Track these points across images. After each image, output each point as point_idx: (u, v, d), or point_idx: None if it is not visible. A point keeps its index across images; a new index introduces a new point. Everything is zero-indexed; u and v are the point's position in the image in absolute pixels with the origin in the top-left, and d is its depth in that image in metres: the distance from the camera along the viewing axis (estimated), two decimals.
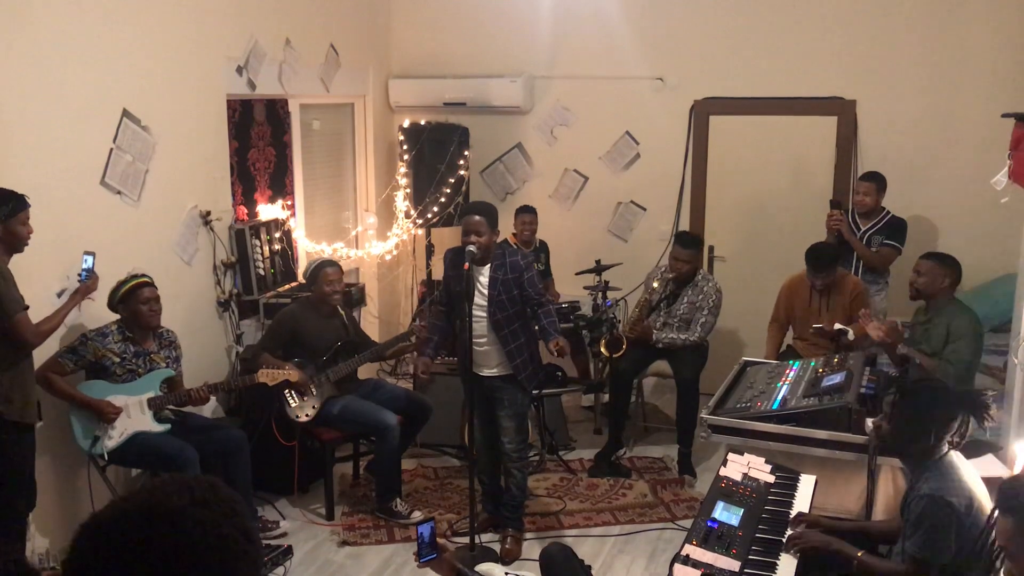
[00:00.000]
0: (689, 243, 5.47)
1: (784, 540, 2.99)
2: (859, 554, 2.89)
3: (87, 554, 1.05)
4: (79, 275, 4.06)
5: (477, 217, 4.31)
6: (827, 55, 6.15)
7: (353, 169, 6.92)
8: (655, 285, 5.52)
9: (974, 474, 2.91)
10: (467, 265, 4.23)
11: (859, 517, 3.47)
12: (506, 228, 6.38)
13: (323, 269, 4.85)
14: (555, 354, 4.34)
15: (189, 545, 1.04)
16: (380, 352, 5.06)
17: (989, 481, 3.19)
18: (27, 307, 3.66)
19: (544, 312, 4.40)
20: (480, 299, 4.36)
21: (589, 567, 3.25)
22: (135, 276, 4.28)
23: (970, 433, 2.91)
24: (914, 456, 2.94)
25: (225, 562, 1.06)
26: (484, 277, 4.35)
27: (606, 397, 5.81)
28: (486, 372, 4.42)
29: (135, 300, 4.22)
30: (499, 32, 6.86)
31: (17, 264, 3.78)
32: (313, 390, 4.73)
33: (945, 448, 2.86)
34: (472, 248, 4.26)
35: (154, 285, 4.31)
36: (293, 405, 4.70)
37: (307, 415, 4.70)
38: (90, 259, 4.09)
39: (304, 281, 4.99)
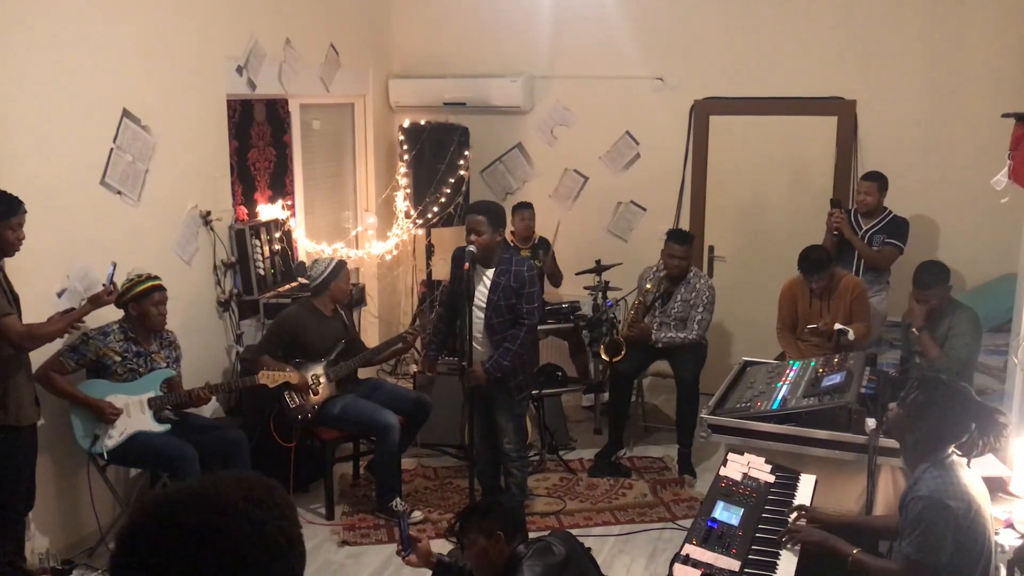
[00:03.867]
0: (683, 239, 5.48)
1: (781, 533, 2.99)
2: (854, 551, 2.88)
3: (140, 528, 1.12)
4: (104, 284, 4.02)
5: (478, 216, 4.32)
6: (827, 55, 6.15)
7: (353, 169, 6.92)
8: (648, 286, 5.54)
9: (975, 477, 2.89)
10: (467, 265, 4.23)
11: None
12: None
13: (342, 268, 4.90)
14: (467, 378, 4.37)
15: (233, 537, 1.11)
16: (371, 357, 5.06)
17: (989, 481, 3.19)
18: (11, 312, 3.63)
19: (512, 335, 4.34)
20: (480, 300, 4.37)
21: (589, 548, 3.26)
22: (149, 277, 4.27)
23: (980, 451, 2.87)
24: (911, 448, 2.93)
25: (261, 559, 1.12)
26: (487, 279, 4.35)
27: (606, 397, 5.81)
28: None
29: (148, 301, 4.23)
30: (499, 32, 6.86)
31: (17, 264, 3.78)
32: (316, 389, 4.74)
33: (948, 453, 2.84)
34: (472, 248, 4.27)
35: (165, 288, 4.31)
36: (293, 406, 4.71)
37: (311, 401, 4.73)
38: (112, 269, 4.05)
39: (309, 281, 4.95)
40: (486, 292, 4.35)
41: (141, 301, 4.22)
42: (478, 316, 4.37)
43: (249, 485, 1.16)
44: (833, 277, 5.16)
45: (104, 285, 4.00)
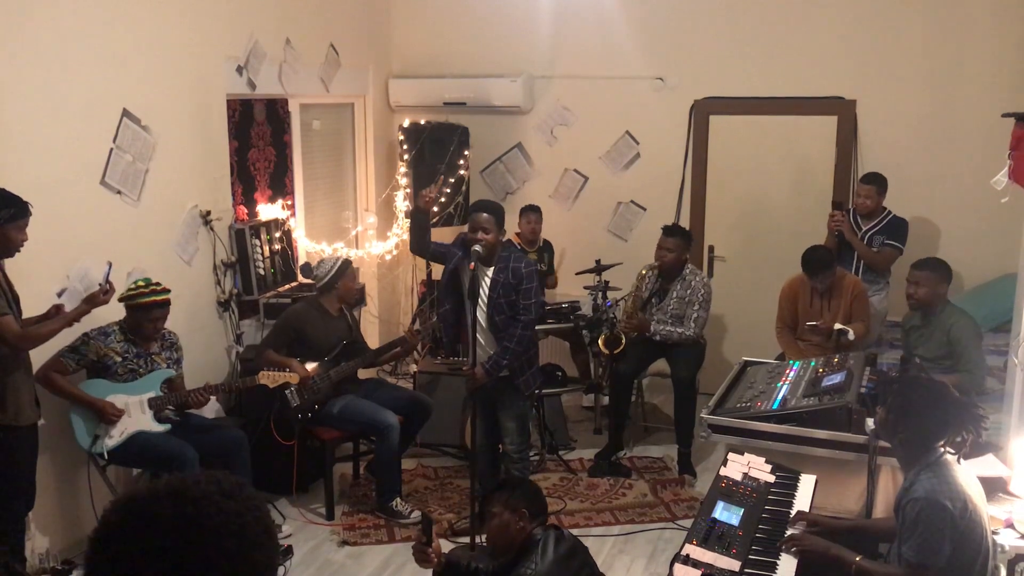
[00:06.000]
0: (672, 232, 5.49)
1: (782, 541, 2.99)
2: (857, 559, 2.89)
3: (115, 526, 1.12)
4: (100, 284, 4.00)
5: (485, 215, 4.33)
6: (827, 55, 6.15)
7: (353, 169, 6.92)
8: (642, 271, 5.56)
9: (970, 476, 2.90)
10: (472, 265, 4.24)
11: (859, 517, 3.47)
12: (509, 227, 6.38)
13: (348, 267, 4.92)
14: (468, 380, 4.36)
15: (211, 528, 1.10)
16: (372, 359, 5.06)
17: (989, 481, 3.19)
18: (7, 313, 3.62)
19: (509, 334, 4.34)
20: (481, 299, 4.37)
21: (586, 548, 3.29)
22: (157, 291, 4.21)
23: (967, 448, 2.88)
24: (900, 448, 2.94)
25: (242, 548, 1.11)
26: (487, 278, 4.36)
27: (606, 397, 5.81)
28: None
29: (143, 315, 4.20)
30: (499, 32, 6.86)
31: (17, 264, 3.78)
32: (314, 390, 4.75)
33: (939, 452, 2.85)
34: (478, 248, 4.28)
35: (168, 304, 4.27)
36: (295, 405, 4.71)
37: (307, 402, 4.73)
38: (108, 269, 4.02)
39: (315, 280, 4.95)
40: (487, 290, 4.35)
41: (137, 312, 4.20)
42: (482, 315, 4.38)
43: (218, 479, 1.16)
44: (834, 276, 5.17)
45: (100, 285, 4.00)
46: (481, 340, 4.39)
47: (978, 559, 2.78)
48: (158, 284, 4.26)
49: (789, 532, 3.05)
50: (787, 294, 5.37)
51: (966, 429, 2.83)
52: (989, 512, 2.96)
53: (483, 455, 4.67)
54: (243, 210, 5.47)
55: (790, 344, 5.33)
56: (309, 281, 5.53)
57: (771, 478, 3.38)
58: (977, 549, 2.77)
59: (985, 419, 2.90)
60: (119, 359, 4.21)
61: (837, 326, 4.95)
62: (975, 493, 2.84)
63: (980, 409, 2.91)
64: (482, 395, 4.47)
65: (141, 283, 4.22)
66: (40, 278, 4.05)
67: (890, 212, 5.55)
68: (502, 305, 4.34)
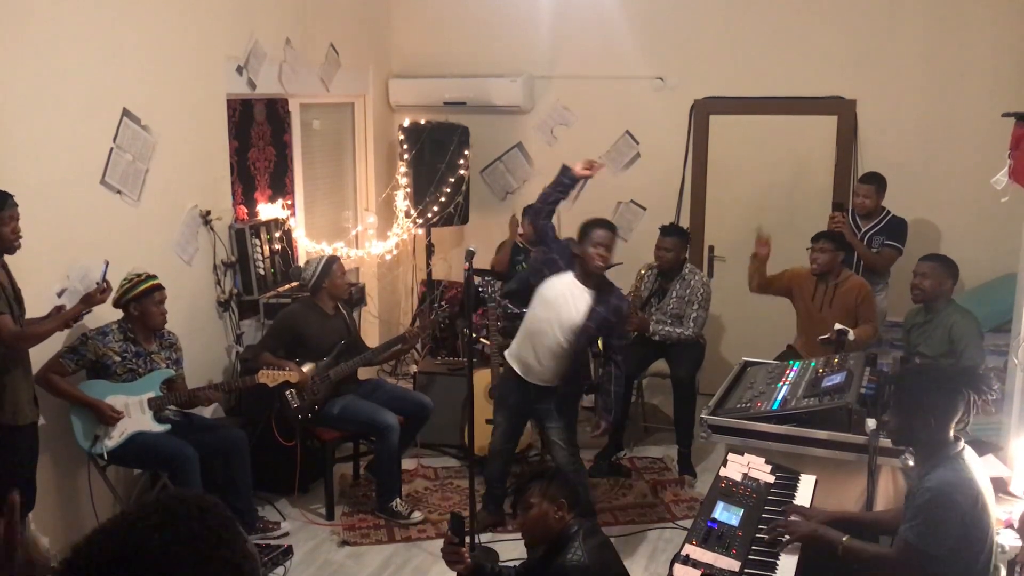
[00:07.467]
0: (670, 231, 5.50)
1: (768, 529, 2.98)
2: (844, 539, 2.88)
3: (95, 564, 1.03)
4: (97, 282, 4.00)
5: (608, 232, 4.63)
6: (827, 55, 6.15)
7: (353, 169, 6.92)
8: (641, 271, 5.55)
9: (984, 473, 2.88)
10: (467, 265, 4.25)
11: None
12: (502, 230, 6.39)
13: (333, 264, 4.91)
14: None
15: (197, 565, 1.03)
16: (371, 357, 5.05)
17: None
18: (3, 312, 3.60)
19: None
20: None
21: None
22: (148, 276, 4.26)
23: (977, 412, 2.84)
24: (925, 446, 2.88)
25: None
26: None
27: None
28: (534, 380, 4.43)
29: (149, 301, 4.22)
30: (499, 32, 6.86)
31: (17, 264, 3.77)
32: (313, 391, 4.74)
33: (959, 442, 2.82)
34: (471, 248, 4.34)
35: (164, 287, 4.31)
36: (295, 406, 4.70)
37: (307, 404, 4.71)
38: (104, 267, 4.01)
39: (305, 281, 4.96)
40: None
41: (142, 301, 4.22)
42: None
43: (174, 520, 1.06)
44: (840, 274, 5.17)
45: (97, 283, 3.99)
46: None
47: (983, 553, 2.77)
48: (141, 273, 4.26)
49: (776, 522, 3.04)
50: (791, 275, 5.37)
51: (976, 392, 2.79)
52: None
53: (497, 457, 4.65)
54: (243, 210, 5.47)
55: (755, 273, 5.41)
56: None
57: (771, 478, 3.38)
58: (982, 547, 2.77)
59: (990, 378, 2.85)
60: (118, 359, 4.21)
61: (837, 326, 4.94)
62: (986, 489, 2.82)
63: (982, 369, 2.87)
64: (514, 399, 4.48)
65: (127, 279, 4.22)
66: (40, 278, 4.05)
67: (889, 212, 5.55)
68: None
